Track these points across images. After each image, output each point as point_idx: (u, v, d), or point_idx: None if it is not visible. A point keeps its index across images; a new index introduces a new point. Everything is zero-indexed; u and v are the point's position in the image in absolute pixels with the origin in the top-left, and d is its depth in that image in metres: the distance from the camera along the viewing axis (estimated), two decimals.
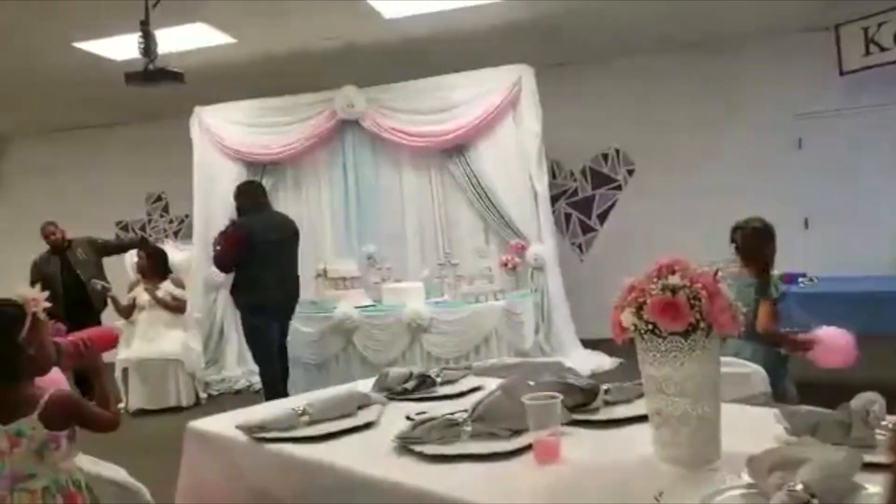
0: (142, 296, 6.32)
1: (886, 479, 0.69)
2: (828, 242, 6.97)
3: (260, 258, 5.00)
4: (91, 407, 2.08)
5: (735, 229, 3.65)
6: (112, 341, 2.47)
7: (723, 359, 1.94)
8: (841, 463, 1.22)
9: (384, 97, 6.85)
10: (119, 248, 6.79)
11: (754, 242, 3.59)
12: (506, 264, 6.40)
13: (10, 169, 9.84)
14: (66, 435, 2.00)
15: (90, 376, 2.22)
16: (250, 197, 5.34)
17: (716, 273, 1.42)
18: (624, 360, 5.76)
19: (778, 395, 2.78)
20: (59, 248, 6.21)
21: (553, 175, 7.70)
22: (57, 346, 2.09)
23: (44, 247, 6.28)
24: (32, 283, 5.95)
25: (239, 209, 5.35)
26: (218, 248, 5.19)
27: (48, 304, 2.06)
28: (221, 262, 5.21)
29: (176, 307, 6.33)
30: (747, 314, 3.45)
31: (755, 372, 2.38)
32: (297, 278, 5.41)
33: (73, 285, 6.04)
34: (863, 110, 7.04)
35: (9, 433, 1.92)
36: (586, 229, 8.09)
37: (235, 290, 5.20)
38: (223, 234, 5.21)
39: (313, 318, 6.04)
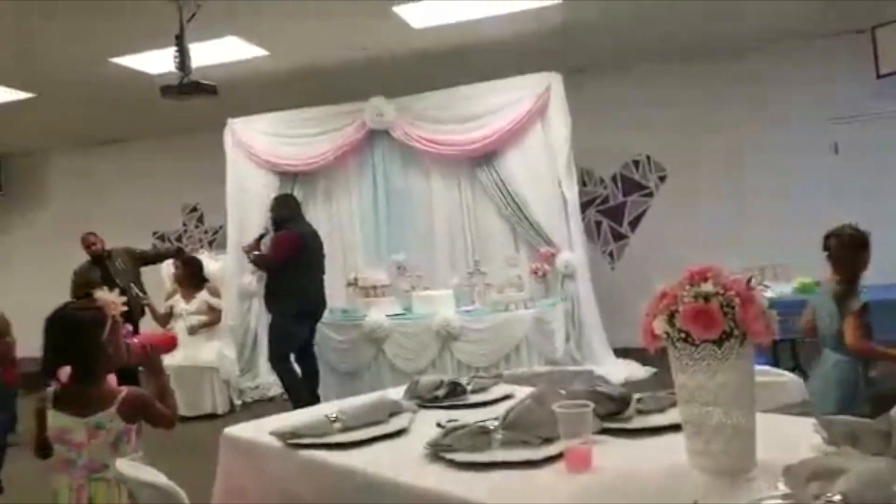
0: (179, 304, 6.45)
1: None
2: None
3: (305, 265, 5.53)
4: (157, 405, 2.25)
5: (828, 236, 3.57)
6: (172, 344, 2.69)
7: (758, 367, 1.92)
8: (881, 473, 1.19)
9: (413, 107, 6.90)
10: (156, 257, 6.93)
11: (844, 250, 3.50)
12: (535, 272, 6.38)
13: (51, 181, 10.11)
14: (135, 430, 2.17)
15: (153, 376, 2.37)
16: (290, 208, 5.81)
17: (749, 280, 1.40)
18: (657, 369, 5.70)
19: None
20: (99, 257, 6.36)
21: (583, 182, 7.66)
22: (126, 346, 2.26)
23: (84, 256, 6.43)
24: (74, 292, 6.19)
25: (277, 219, 5.70)
26: (255, 252, 5.65)
27: (124, 308, 2.23)
28: (272, 264, 5.54)
29: (212, 320, 6.45)
30: (830, 324, 3.39)
31: (792, 380, 2.34)
32: (324, 286, 5.85)
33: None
34: None
35: (88, 425, 2.09)
36: (617, 237, 8.03)
37: (276, 295, 5.50)
38: (275, 239, 5.61)
39: (344, 326, 6.09)
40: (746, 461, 1.42)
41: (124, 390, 2.17)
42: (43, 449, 2.17)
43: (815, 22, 6.70)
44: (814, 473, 1.20)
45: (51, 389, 2.19)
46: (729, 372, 1.39)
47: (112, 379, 2.34)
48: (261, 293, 6.21)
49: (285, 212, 5.72)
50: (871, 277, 5.18)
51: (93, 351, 2.13)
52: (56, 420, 2.12)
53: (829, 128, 7.17)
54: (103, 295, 2.24)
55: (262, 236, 5.84)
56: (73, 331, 2.15)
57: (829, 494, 1.10)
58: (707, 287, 1.37)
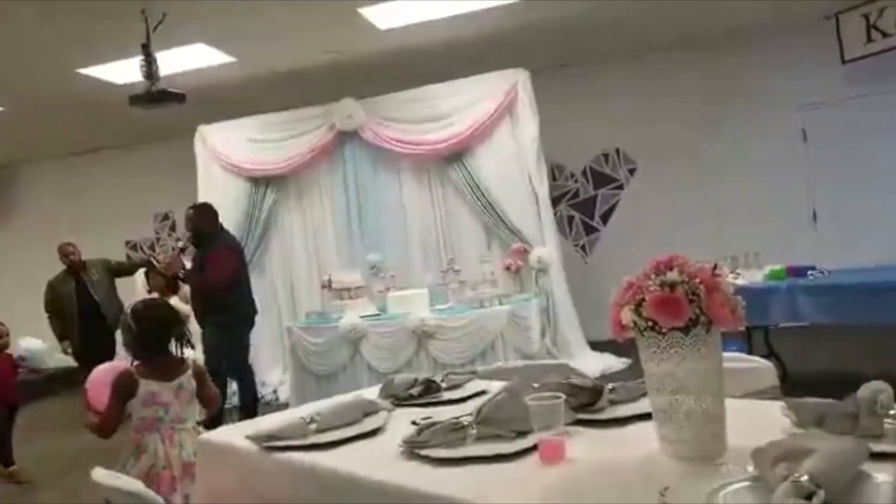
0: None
1: None
2: (836, 234, 6.94)
3: (245, 275, 5.50)
4: (209, 383, 2.91)
5: None
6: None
7: (730, 354, 1.94)
8: (847, 453, 1.21)
9: (382, 108, 6.89)
10: (130, 268, 6.89)
11: None
12: (509, 268, 6.40)
13: (18, 194, 9.96)
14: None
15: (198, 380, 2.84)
16: (214, 220, 5.44)
17: (714, 267, 1.42)
18: (633, 360, 5.75)
19: None
20: (76, 268, 6.30)
21: (553, 177, 7.71)
22: None
23: (57, 268, 6.35)
24: (48, 304, 6.17)
25: (201, 231, 5.33)
26: (184, 272, 5.33)
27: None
28: (216, 285, 5.17)
29: None
30: None
31: (762, 366, 2.37)
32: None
33: (88, 305, 6.14)
34: (866, 98, 6.98)
35: (172, 388, 2.70)
36: (589, 230, 8.09)
37: (226, 309, 5.22)
38: (215, 259, 5.22)
39: (320, 329, 6.07)
40: (717, 446, 1.44)
41: (190, 359, 2.83)
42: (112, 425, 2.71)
43: (781, 10, 6.77)
44: (781, 455, 1.21)
45: (127, 366, 2.77)
46: (697, 359, 1.40)
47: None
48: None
49: (211, 224, 5.37)
50: (838, 262, 5.32)
51: (176, 331, 2.80)
52: (147, 387, 2.67)
53: (798, 115, 7.28)
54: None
55: (182, 250, 5.48)
56: (162, 319, 2.80)
57: (796, 475, 1.12)
58: (672, 275, 1.39)
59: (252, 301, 5.56)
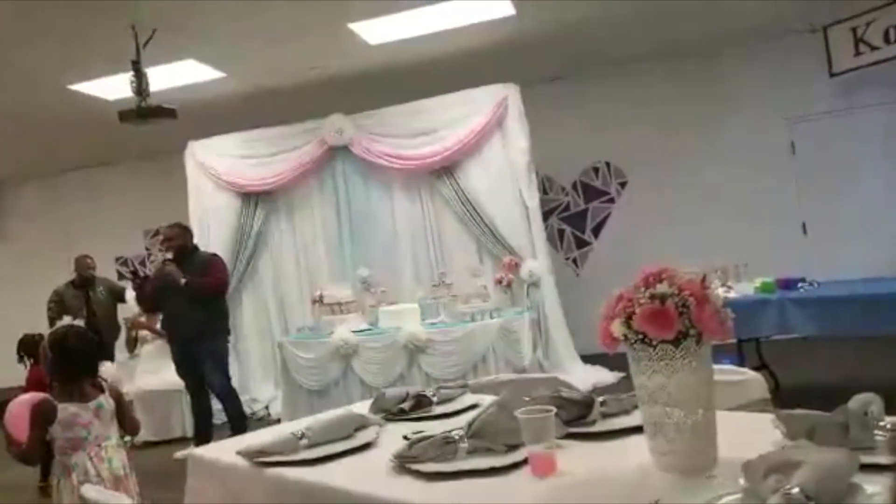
0: (142, 329, 6.41)
1: (891, 482, 0.67)
2: (826, 246, 6.98)
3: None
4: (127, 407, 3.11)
5: None
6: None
7: (720, 366, 1.94)
8: (838, 465, 1.21)
9: (372, 122, 6.90)
10: (121, 295, 6.82)
11: None
12: (500, 282, 6.40)
13: (7, 211, 9.90)
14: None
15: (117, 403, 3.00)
16: (191, 235, 5.62)
17: (703, 279, 1.42)
18: (625, 374, 5.73)
19: None
20: (88, 282, 6.30)
21: (544, 191, 7.73)
22: None
23: (45, 284, 6.33)
24: (56, 311, 6.11)
25: (183, 246, 5.39)
26: (186, 279, 5.26)
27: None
28: (223, 287, 5.45)
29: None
30: None
31: (753, 378, 2.37)
32: None
33: (91, 321, 6.10)
34: (854, 111, 7.06)
35: (91, 408, 2.83)
36: (581, 244, 8.11)
37: (221, 317, 5.45)
38: (214, 263, 5.41)
39: (311, 344, 6.05)
40: (707, 459, 1.43)
41: (105, 383, 2.98)
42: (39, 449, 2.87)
43: (769, 23, 6.83)
44: (772, 467, 1.21)
45: (43, 395, 2.89)
46: (687, 371, 1.40)
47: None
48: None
49: (189, 240, 5.52)
50: (827, 274, 5.34)
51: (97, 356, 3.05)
52: (66, 410, 2.79)
53: (787, 127, 7.34)
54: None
55: (171, 260, 5.39)
56: (76, 346, 2.93)
57: (786, 487, 1.12)
58: (662, 288, 1.39)
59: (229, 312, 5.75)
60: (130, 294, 6.79)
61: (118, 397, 2.99)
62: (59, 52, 5.31)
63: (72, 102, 6.44)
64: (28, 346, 4.95)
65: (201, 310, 5.24)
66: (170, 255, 5.38)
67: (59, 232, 9.25)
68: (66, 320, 3.07)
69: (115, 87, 6.02)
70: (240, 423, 5.39)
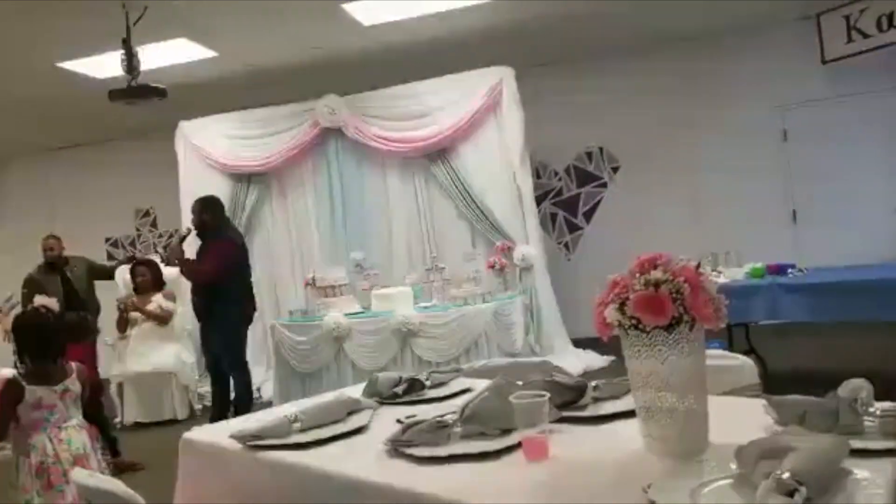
0: (133, 311, 6.37)
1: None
2: (816, 233, 7.01)
3: (245, 270, 5.40)
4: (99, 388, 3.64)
5: None
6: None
7: (712, 352, 1.95)
8: (828, 450, 1.22)
9: (366, 104, 6.87)
10: (110, 272, 6.74)
11: None
12: (493, 266, 6.41)
13: (0, 189, 9.80)
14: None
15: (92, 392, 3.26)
16: (219, 211, 5.41)
17: (697, 266, 1.43)
18: (616, 358, 5.79)
19: None
20: (57, 263, 6.20)
21: (537, 175, 7.72)
22: None
23: (34, 265, 6.25)
24: (28, 296, 6.06)
25: (204, 223, 5.26)
26: (183, 259, 5.24)
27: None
28: (211, 278, 5.13)
29: (161, 317, 6.33)
30: None
31: (744, 363, 2.39)
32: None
33: (73, 302, 6.02)
34: (846, 99, 7.05)
35: (58, 391, 2.95)
36: (573, 228, 8.12)
37: (225, 303, 5.17)
38: (212, 250, 5.21)
39: (304, 327, 6.05)
40: (699, 444, 1.45)
41: (74, 365, 3.07)
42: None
43: (762, 10, 6.81)
44: (764, 453, 1.22)
45: (13, 373, 3.02)
46: (680, 357, 1.41)
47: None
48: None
49: (215, 217, 5.32)
50: (817, 260, 5.37)
51: (62, 338, 3.07)
52: (34, 393, 2.90)
53: (778, 115, 7.34)
54: (41, 299, 3.11)
55: (184, 237, 5.34)
56: (42, 330, 3.02)
57: (778, 472, 1.13)
58: (656, 274, 1.39)
59: (252, 298, 5.47)
60: (120, 273, 6.78)
61: (95, 388, 3.24)
62: (49, 29, 5.24)
63: (61, 80, 6.36)
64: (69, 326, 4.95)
65: (203, 293, 5.25)
66: (193, 230, 5.31)
67: (47, 211, 9.17)
68: (38, 301, 3.13)
69: (105, 66, 5.95)
70: (242, 407, 5.27)
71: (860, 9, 6.53)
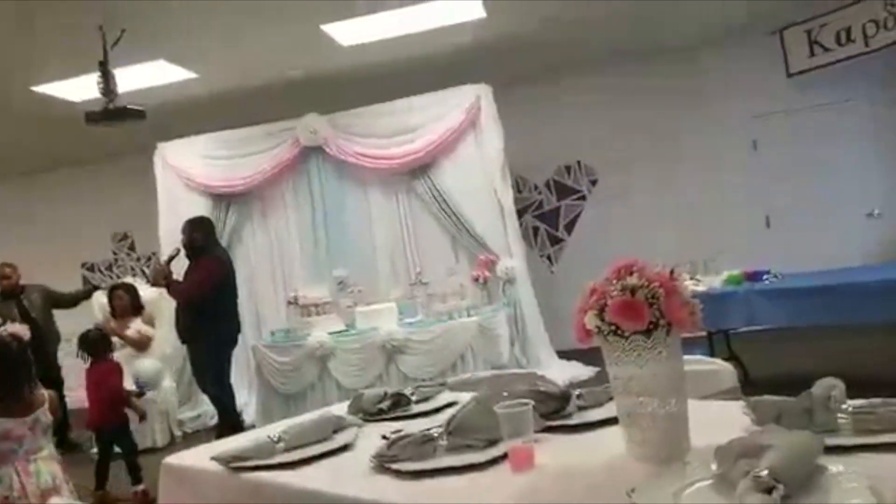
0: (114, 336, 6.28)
1: None
2: (788, 239, 7.13)
3: (231, 290, 5.39)
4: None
5: None
6: None
7: (691, 357, 1.99)
8: (804, 447, 1.24)
9: (346, 123, 6.89)
10: (72, 301, 6.67)
11: None
12: (476, 279, 6.44)
13: None
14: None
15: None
16: (207, 231, 5.49)
17: (671, 272, 1.46)
18: (600, 368, 5.78)
19: None
20: (13, 291, 6.13)
21: (518, 189, 7.78)
22: None
23: None
24: None
25: (195, 244, 5.33)
26: (169, 280, 5.26)
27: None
28: (194, 296, 5.17)
29: (139, 343, 6.26)
30: None
31: (723, 368, 2.43)
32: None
33: (31, 331, 5.95)
34: (812, 109, 7.26)
35: (27, 422, 2.83)
36: (554, 241, 8.18)
37: (210, 322, 5.20)
38: (197, 268, 5.25)
39: (287, 347, 6.01)
40: (681, 447, 1.46)
41: (46, 393, 2.97)
42: None
43: (730, 26, 7.01)
44: (742, 452, 1.25)
45: None
46: (659, 361, 1.43)
47: None
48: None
49: (203, 236, 5.40)
50: (790, 265, 5.46)
51: (32, 368, 2.92)
52: (2, 425, 2.79)
53: (748, 125, 7.50)
54: (13, 327, 3.00)
55: (172, 257, 5.37)
56: (8, 362, 2.85)
57: (756, 470, 1.15)
58: (633, 280, 1.42)
59: (235, 318, 5.51)
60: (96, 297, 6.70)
61: (53, 402, 3.01)
62: (25, 52, 5.21)
63: (37, 104, 6.32)
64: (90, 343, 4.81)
65: (188, 312, 5.26)
66: (181, 251, 5.37)
67: (22, 236, 9.01)
68: (9, 328, 3.01)
69: (82, 88, 5.92)
70: (225, 428, 5.25)
71: (820, 24, 6.78)
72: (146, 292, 6.62)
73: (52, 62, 5.50)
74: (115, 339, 6.25)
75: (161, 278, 5.28)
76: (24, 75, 5.73)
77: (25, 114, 6.61)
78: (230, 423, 5.32)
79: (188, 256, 5.34)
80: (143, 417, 4.91)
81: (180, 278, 5.36)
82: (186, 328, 5.30)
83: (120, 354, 6.23)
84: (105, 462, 4.68)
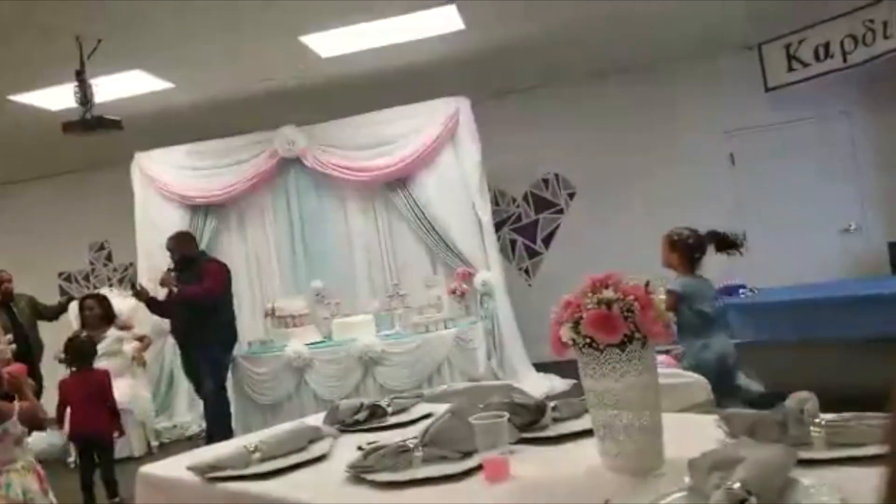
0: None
1: (883, 473, 0.68)
2: (765, 253, 7.20)
3: (230, 296, 5.64)
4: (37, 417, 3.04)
5: None
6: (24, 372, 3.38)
7: (666, 370, 2.00)
8: (777, 460, 1.26)
9: (324, 134, 6.89)
10: (53, 313, 6.64)
11: None
12: (454, 292, 6.44)
13: None
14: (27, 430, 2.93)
15: (23, 399, 2.97)
16: (194, 244, 5.75)
17: (647, 285, 1.47)
18: (577, 381, 5.80)
19: None
20: (8, 298, 6.09)
21: (496, 202, 7.81)
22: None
23: None
24: None
25: (186, 256, 5.50)
26: (177, 286, 5.35)
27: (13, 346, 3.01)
28: (214, 296, 5.39)
29: (145, 344, 6.37)
30: None
31: (697, 381, 2.45)
32: None
33: (19, 338, 5.89)
34: (789, 124, 7.34)
35: None
36: (532, 254, 8.21)
37: (212, 326, 5.36)
38: (209, 270, 5.45)
39: (264, 359, 5.98)
40: (655, 459, 1.47)
41: (17, 404, 2.89)
42: None
43: (708, 40, 7.09)
44: (715, 464, 1.25)
45: None
46: (633, 374, 1.44)
47: None
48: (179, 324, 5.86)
49: (193, 248, 5.69)
50: (766, 280, 5.52)
51: None
52: None
53: (726, 140, 7.60)
54: None
55: (171, 270, 5.56)
56: None
57: (729, 483, 1.16)
58: (608, 293, 1.43)
59: (235, 320, 5.74)
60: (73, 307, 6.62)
61: (28, 412, 2.92)
62: (2, 61, 5.17)
63: (13, 113, 6.26)
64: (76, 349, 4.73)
65: (196, 316, 5.31)
66: (172, 265, 5.52)
67: None
68: None
69: (59, 98, 5.88)
70: (217, 431, 5.26)
71: (798, 39, 6.84)
72: (123, 303, 6.55)
73: (29, 71, 5.45)
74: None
75: (171, 284, 5.40)
76: (1, 84, 5.67)
77: (2, 123, 6.53)
78: (224, 427, 5.36)
79: (182, 268, 5.47)
80: (122, 433, 4.81)
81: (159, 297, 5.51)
82: (193, 331, 5.38)
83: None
84: (91, 474, 4.56)
